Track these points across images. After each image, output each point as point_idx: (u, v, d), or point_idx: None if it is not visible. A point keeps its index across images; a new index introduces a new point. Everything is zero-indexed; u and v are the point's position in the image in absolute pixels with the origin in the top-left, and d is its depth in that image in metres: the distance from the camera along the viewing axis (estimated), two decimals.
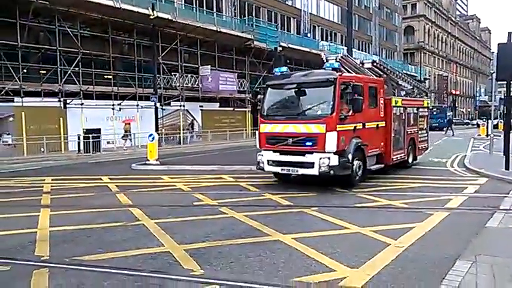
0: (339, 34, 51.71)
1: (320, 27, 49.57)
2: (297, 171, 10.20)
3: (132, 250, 5.92)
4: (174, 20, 28.59)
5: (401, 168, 13.66)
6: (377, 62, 13.48)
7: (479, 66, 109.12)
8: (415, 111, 14.29)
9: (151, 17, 25.87)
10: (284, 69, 11.59)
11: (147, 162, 16.82)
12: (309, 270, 5.10)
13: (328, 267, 5.20)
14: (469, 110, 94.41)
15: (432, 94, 78.03)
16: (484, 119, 36.31)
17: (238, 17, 37.19)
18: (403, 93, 14.85)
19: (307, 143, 9.90)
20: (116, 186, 11.90)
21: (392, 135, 12.37)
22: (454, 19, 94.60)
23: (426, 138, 15.64)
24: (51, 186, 12.21)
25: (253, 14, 38.89)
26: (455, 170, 14.32)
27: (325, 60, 11.69)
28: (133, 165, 16.79)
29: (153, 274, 5.03)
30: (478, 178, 12.26)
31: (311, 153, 9.84)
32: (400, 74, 14.76)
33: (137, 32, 29.20)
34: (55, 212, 8.56)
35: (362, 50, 54.50)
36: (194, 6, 33.67)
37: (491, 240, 6.15)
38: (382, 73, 13.12)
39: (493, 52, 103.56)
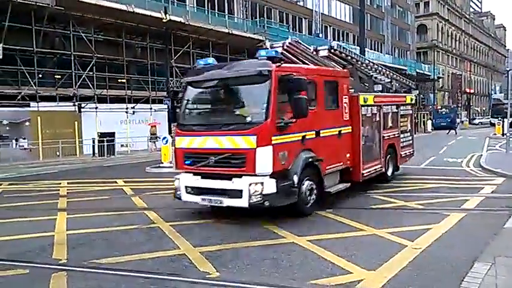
0: (351, 34, 51.45)
1: (332, 27, 49.41)
2: (220, 202, 7.41)
3: (148, 253, 5.96)
4: (186, 23, 28.75)
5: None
6: (336, 48, 10.34)
7: (494, 64, 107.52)
8: (395, 110, 11.52)
9: (164, 20, 25.96)
10: (211, 60, 8.52)
11: (161, 165, 16.92)
12: (325, 272, 5.08)
13: (344, 269, 5.18)
14: (484, 108, 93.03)
15: (446, 93, 77.22)
16: (500, 118, 35.71)
17: (250, 19, 37.25)
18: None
19: (233, 163, 7.27)
20: (131, 189, 12.00)
21: (362, 143, 9.62)
22: (467, 16, 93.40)
23: (411, 142, 12.81)
24: (67, 189, 12.37)
25: (265, 16, 38.91)
26: (471, 170, 14.14)
27: (269, 49, 9.30)
28: (147, 168, 16.92)
29: (169, 277, 5.07)
30: (495, 178, 12.07)
31: (239, 176, 7.17)
32: (373, 64, 11.99)
33: (150, 36, 29.45)
34: (72, 215, 8.67)
35: (375, 50, 54.15)
36: (206, 8, 33.84)
37: (510, 241, 6.05)
38: (346, 63, 10.55)
39: (508, 49, 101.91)
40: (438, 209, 8.29)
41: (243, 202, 7.11)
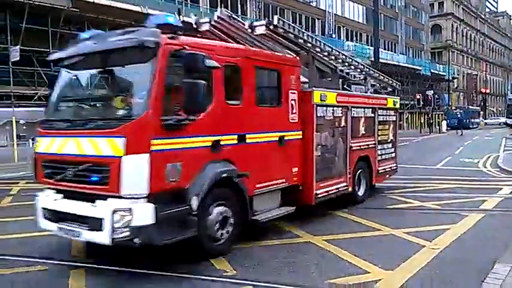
0: (365, 34, 51.12)
1: (345, 28, 49.16)
2: (78, 234, 5.20)
3: (165, 251, 5.96)
4: None
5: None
6: (278, 24, 7.60)
7: (510, 63, 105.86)
8: (370, 115, 9.13)
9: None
10: (97, 33, 6.20)
11: None
12: (342, 272, 5.04)
13: (361, 269, 5.14)
14: (500, 109, 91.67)
15: (461, 93, 76.30)
16: None
17: (263, 19, 37.25)
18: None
19: (96, 177, 5.03)
20: None
21: (317, 153, 7.36)
22: (483, 16, 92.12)
23: (393, 155, 10.31)
24: None
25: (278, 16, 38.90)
26: (488, 170, 13.96)
27: (194, 25, 7.69)
28: None
29: (186, 275, 5.06)
30: None
31: (104, 198, 4.94)
32: (338, 54, 9.31)
33: None
34: None
35: (388, 50, 53.71)
36: (219, 9, 33.93)
37: None
38: (299, 49, 8.06)
39: None
40: (456, 210, 8.19)
41: (103, 237, 4.85)
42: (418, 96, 45.10)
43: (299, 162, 7.10)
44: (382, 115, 9.69)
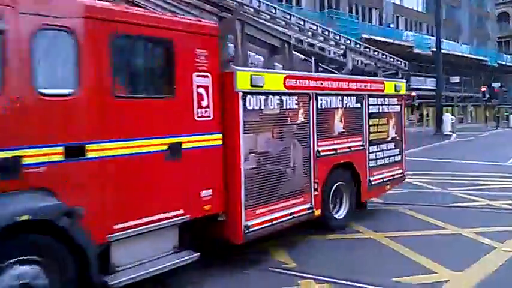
0: (425, 24, 48.95)
1: (404, 18, 47.33)
2: None
3: None
4: None
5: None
6: None
7: None
8: (354, 105, 6.57)
9: None
10: None
11: None
12: (406, 271, 4.85)
13: (427, 268, 4.94)
14: None
15: None
16: None
17: (318, 10, 36.68)
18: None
19: None
20: None
21: (249, 166, 4.94)
22: None
23: (398, 159, 7.63)
24: None
25: (334, 6, 38.16)
26: None
27: None
28: None
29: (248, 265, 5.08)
30: None
31: None
32: (289, 18, 7.13)
33: None
34: None
35: (451, 40, 51.12)
36: None
37: None
38: (223, 8, 5.61)
39: None
40: None
41: None
42: (483, 89, 42.62)
43: (216, 181, 4.76)
44: (376, 105, 7.06)
